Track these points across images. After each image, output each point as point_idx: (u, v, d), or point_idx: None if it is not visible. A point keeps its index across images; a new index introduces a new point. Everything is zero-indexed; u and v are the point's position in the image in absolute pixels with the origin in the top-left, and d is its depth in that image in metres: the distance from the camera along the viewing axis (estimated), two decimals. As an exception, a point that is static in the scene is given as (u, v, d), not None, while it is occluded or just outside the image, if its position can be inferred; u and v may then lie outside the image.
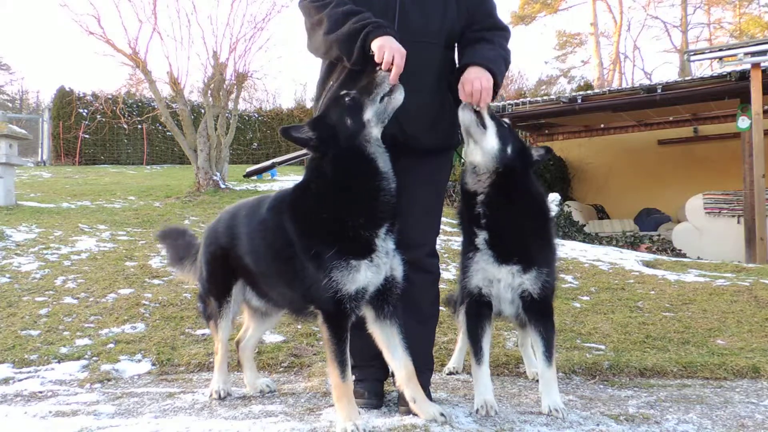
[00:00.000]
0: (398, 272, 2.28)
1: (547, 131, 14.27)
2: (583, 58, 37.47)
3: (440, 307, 2.81)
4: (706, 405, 2.62)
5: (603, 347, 3.69)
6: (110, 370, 3.24)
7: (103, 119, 18.43)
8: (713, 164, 12.67)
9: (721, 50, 9.72)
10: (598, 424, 2.27)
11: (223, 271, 2.63)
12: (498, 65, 2.45)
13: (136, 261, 5.36)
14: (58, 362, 3.34)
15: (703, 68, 23.08)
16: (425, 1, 2.46)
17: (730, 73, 9.54)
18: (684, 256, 9.50)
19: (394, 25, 2.37)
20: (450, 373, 3.20)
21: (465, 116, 2.38)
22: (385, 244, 2.21)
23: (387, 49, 2.18)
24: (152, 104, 19.25)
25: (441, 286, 2.74)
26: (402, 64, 2.19)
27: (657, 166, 13.77)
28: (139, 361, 3.38)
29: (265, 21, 11.72)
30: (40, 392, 2.89)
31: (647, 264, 6.89)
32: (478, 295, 2.45)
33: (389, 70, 2.19)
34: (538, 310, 2.44)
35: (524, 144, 2.52)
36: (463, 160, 2.61)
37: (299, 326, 3.85)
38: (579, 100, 11.23)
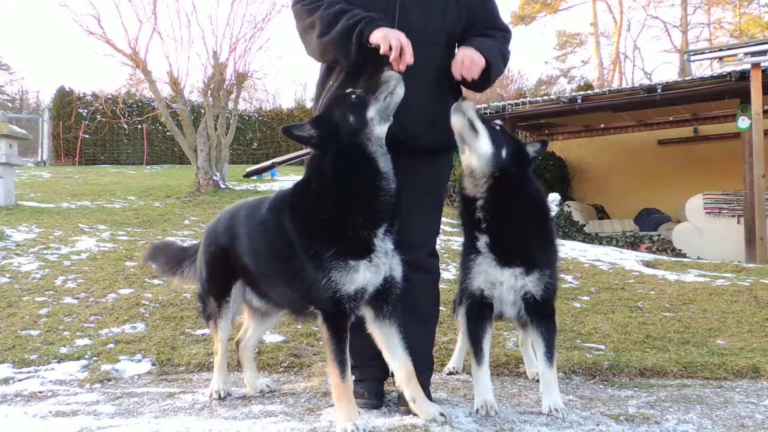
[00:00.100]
0: (397, 272, 2.28)
1: (547, 131, 14.27)
2: (583, 58, 37.52)
3: (440, 307, 2.81)
4: (706, 405, 2.62)
5: (603, 347, 3.69)
6: (110, 370, 3.24)
7: (103, 119, 18.43)
8: (713, 164, 12.67)
9: (721, 50, 9.72)
10: (598, 424, 2.27)
11: (223, 271, 2.63)
12: (493, 55, 2.45)
13: (136, 261, 5.35)
14: (58, 362, 3.34)
15: (703, 68, 23.11)
16: (425, 0, 2.46)
17: (730, 73, 9.54)
18: (684, 256, 9.50)
19: (394, 24, 2.37)
20: (450, 373, 3.20)
21: (456, 121, 2.36)
22: (384, 244, 2.21)
23: (391, 38, 2.19)
24: (152, 104, 19.24)
25: (441, 286, 2.74)
26: (409, 43, 2.20)
27: (657, 166, 13.78)
28: (139, 361, 3.38)
29: (265, 21, 11.74)
30: (40, 392, 2.89)
31: (647, 264, 6.89)
32: (479, 297, 2.45)
33: (395, 62, 2.20)
34: (540, 311, 2.44)
35: (520, 143, 2.48)
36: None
37: (299, 326, 3.85)
38: (579, 100, 11.24)
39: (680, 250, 10.03)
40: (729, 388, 2.96)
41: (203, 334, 3.74)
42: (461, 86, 2.54)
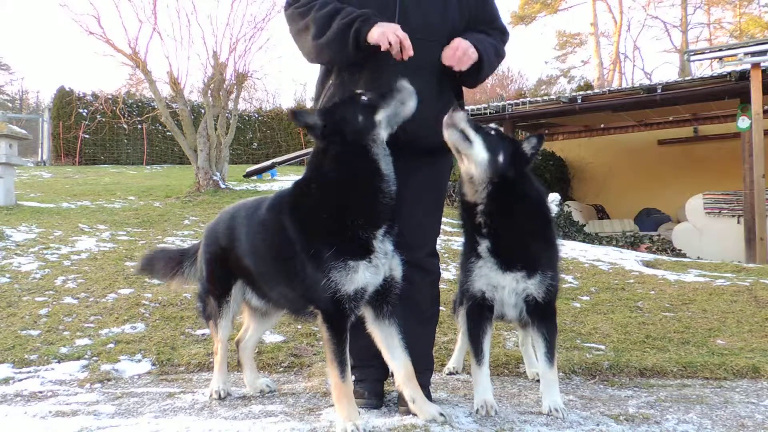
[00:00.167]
0: (397, 273, 2.28)
1: (547, 131, 14.26)
2: (583, 58, 37.57)
3: (440, 307, 2.81)
4: (706, 405, 2.62)
5: (603, 347, 3.69)
6: (110, 370, 3.24)
7: (103, 119, 18.44)
8: (713, 164, 12.67)
9: (721, 50, 9.72)
10: (598, 424, 2.27)
11: (223, 271, 2.63)
12: (486, 49, 2.46)
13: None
14: (58, 362, 3.34)
15: (703, 68, 23.13)
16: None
17: (730, 73, 9.54)
18: (684, 256, 9.50)
19: (395, 21, 2.37)
20: (450, 373, 3.20)
21: (450, 135, 2.35)
22: (384, 245, 2.21)
23: (389, 34, 2.22)
24: (152, 104, 19.24)
25: (441, 286, 2.74)
26: (406, 36, 2.24)
27: (657, 166, 13.78)
28: (139, 361, 3.38)
29: (265, 21, 11.76)
30: (40, 392, 2.89)
31: (647, 264, 6.89)
32: (480, 299, 2.45)
33: (397, 56, 2.24)
34: (541, 313, 2.44)
35: (516, 144, 2.45)
36: None
37: (299, 326, 3.85)
38: (579, 100, 11.24)
39: (680, 250, 10.03)
40: (729, 388, 2.96)
41: (203, 334, 3.74)
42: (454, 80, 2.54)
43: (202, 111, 12.66)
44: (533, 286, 2.39)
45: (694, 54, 10.36)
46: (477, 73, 2.48)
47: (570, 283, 5.47)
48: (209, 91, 11.43)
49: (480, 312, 2.47)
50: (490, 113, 11.96)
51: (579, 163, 14.93)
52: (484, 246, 2.40)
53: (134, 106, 21.20)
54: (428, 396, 2.45)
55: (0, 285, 4.62)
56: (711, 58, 11.23)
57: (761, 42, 9.27)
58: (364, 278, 2.17)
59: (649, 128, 13.71)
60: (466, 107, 2.75)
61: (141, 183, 13.11)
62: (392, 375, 2.33)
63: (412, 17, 2.41)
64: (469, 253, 2.46)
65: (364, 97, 2.22)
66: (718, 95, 10.40)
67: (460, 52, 2.37)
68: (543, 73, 40.28)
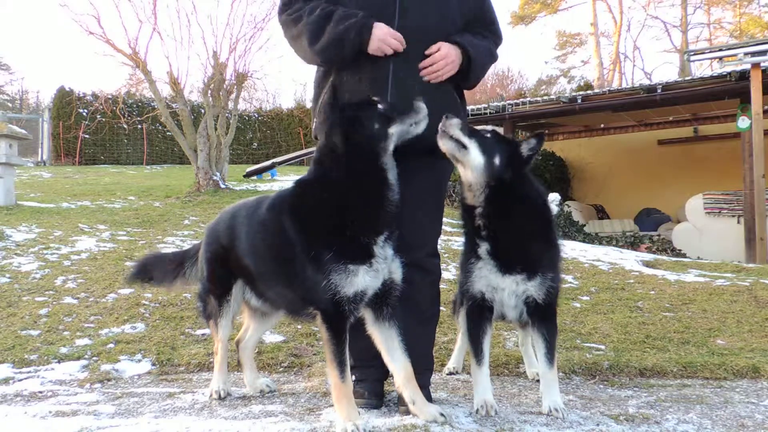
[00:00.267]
0: (397, 275, 2.29)
1: (547, 131, 14.26)
2: (583, 58, 37.58)
3: (440, 307, 2.81)
4: (706, 405, 2.62)
5: (603, 347, 3.69)
6: (110, 370, 3.24)
7: (103, 119, 18.45)
8: (713, 164, 12.67)
9: (721, 50, 9.72)
10: (598, 424, 2.27)
11: (224, 270, 2.63)
12: (477, 50, 2.48)
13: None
14: (58, 362, 3.34)
15: (703, 68, 23.14)
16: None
17: (730, 73, 9.54)
18: (684, 256, 9.49)
19: (394, 22, 2.38)
20: (450, 373, 3.20)
21: (444, 144, 2.35)
22: (384, 251, 2.22)
23: (387, 44, 2.32)
24: (152, 104, 19.25)
25: (441, 286, 2.74)
26: (398, 33, 2.35)
27: (657, 166, 13.78)
28: (139, 361, 3.38)
29: (265, 21, 11.76)
30: (40, 392, 2.89)
31: (647, 264, 6.89)
32: (480, 300, 2.45)
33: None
34: (541, 314, 2.43)
35: (514, 145, 2.42)
36: None
37: (299, 326, 3.85)
38: (579, 100, 11.24)
39: (680, 250, 10.03)
40: (729, 388, 2.96)
41: (203, 334, 3.74)
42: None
43: (202, 111, 12.66)
44: (533, 288, 2.38)
45: (694, 54, 10.36)
46: (466, 78, 2.54)
47: (570, 283, 5.47)
48: (209, 91, 11.43)
49: (480, 312, 2.47)
50: (490, 113, 11.96)
51: (579, 163, 14.93)
52: (483, 248, 2.40)
53: (134, 106, 21.20)
54: (428, 396, 2.45)
55: (0, 285, 4.62)
56: (711, 58, 11.23)
57: (761, 42, 9.27)
58: (364, 282, 2.17)
59: (649, 128, 13.71)
60: (467, 107, 2.75)
61: (141, 183, 13.11)
62: (392, 376, 2.33)
63: (411, 17, 2.41)
64: (469, 253, 2.46)
65: (380, 106, 2.24)
66: (718, 95, 10.40)
67: (438, 60, 2.41)
68: (543, 73, 40.35)
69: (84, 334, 3.75)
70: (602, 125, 13.93)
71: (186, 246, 5.63)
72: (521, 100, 12.70)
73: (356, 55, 2.36)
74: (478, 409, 2.37)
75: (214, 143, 10.87)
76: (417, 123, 2.26)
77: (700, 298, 4.92)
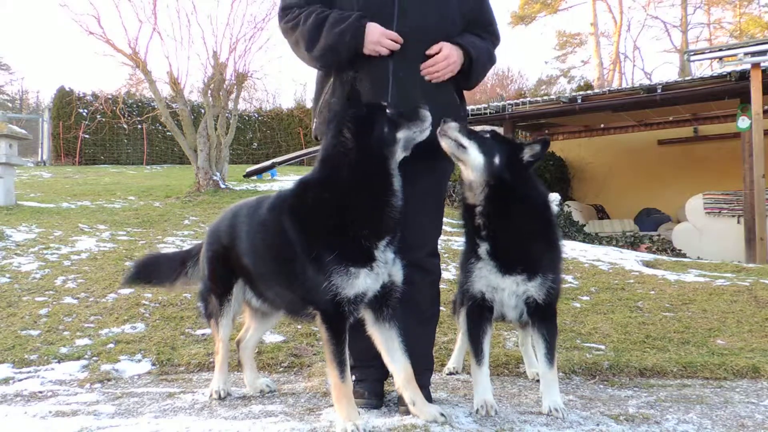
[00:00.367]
0: (397, 277, 2.29)
1: (547, 131, 14.27)
2: (583, 58, 37.55)
3: (440, 307, 2.81)
4: (706, 405, 2.62)
5: (603, 347, 3.69)
6: (110, 370, 3.24)
7: (103, 119, 18.45)
8: (713, 164, 12.67)
9: (721, 50, 9.72)
10: (598, 424, 2.27)
11: (225, 270, 2.63)
12: (478, 50, 2.50)
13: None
14: (58, 362, 3.34)
15: (703, 68, 23.13)
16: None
17: (730, 73, 9.54)
18: (684, 256, 9.49)
19: (394, 22, 2.39)
20: (450, 373, 3.20)
21: (444, 143, 2.37)
22: (385, 255, 2.22)
23: (382, 45, 2.35)
24: (152, 104, 19.24)
25: (441, 286, 2.74)
26: (392, 32, 2.37)
27: (657, 166, 13.78)
28: (139, 361, 3.38)
29: (265, 21, 11.76)
30: (40, 392, 2.89)
31: (647, 264, 6.89)
32: (480, 300, 2.45)
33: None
34: (541, 314, 2.43)
35: (516, 147, 2.41)
36: None
37: (299, 326, 3.85)
38: (579, 100, 11.24)
39: (680, 250, 10.03)
40: (729, 388, 2.96)
41: (203, 334, 3.74)
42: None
43: (202, 111, 12.66)
44: (533, 289, 2.38)
45: (694, 54, 10.36)
46: (467, 79, 2.55)
47: (570, 283, 5.47)
48: (209, 91, 11.43)
49: (480, 312, 2.47)
50: (490, 113, 11.96)
51: (579, 163, 14.93)
52: (483, 248, 2.40)
53: (134, 106, 21.20)
54: (428, 396, 2.45)
55: (0, 285, 4.62)
56: (711, 58, 11.24)
57: (761, 42, 9.27)
58: (365, 284, 2.18)
59: (649, 128, 13.71)
60: (466, 107, 2.76)
61: (141, 183, 13.11)
62: (392, 376, 2.33)
63: (411, 17, 2.42)
64: (470, 253, 2.46)
65: (390, 111, 2.25)
66: (718, 95, 10.40)
67: (443, 64, 2.42)
68: (543, 73, 40.34)
69: (84, 334, 3.75)
70: (602, 125, 13.93)
71: (186, 246, 5.63)
72: (521, 100, 12.70)
73: (355, 57, 2.38)
74: (478, 409, 2.37)
75: (214, 143, 10.87)
76: (422, 131, 2.27)
77: (700, 298, 4.92)
